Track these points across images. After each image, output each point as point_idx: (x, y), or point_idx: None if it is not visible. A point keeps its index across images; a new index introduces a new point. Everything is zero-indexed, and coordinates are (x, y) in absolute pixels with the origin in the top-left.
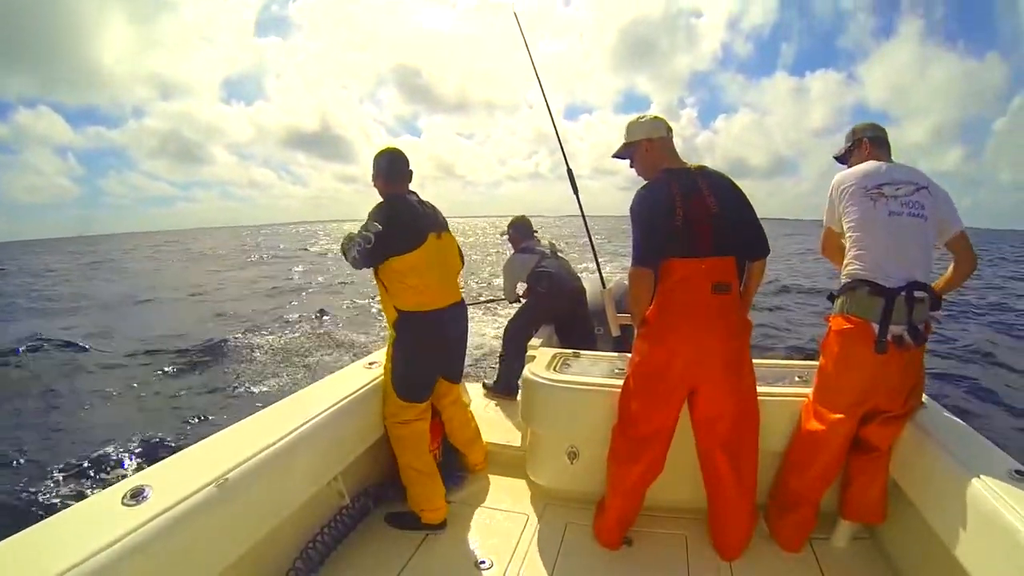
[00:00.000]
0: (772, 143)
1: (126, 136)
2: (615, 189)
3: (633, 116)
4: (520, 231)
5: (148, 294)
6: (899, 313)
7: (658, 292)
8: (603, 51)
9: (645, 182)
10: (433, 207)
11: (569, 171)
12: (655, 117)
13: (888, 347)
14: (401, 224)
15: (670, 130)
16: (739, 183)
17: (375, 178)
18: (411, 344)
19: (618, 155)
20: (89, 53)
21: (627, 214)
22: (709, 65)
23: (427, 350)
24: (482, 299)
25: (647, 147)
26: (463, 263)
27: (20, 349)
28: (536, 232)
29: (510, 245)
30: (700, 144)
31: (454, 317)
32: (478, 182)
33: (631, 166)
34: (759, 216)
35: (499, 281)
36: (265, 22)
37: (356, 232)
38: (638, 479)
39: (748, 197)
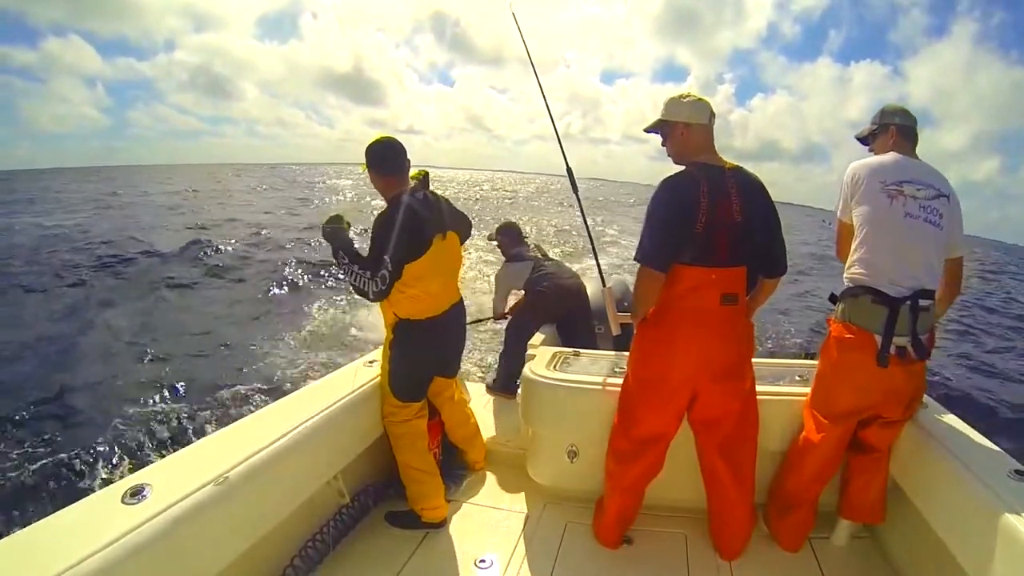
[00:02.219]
0: (806, 129)
1: (156, 68)
2: (644, 157)
3: (675, 92)
4: (510, 237)
5: None
6: (903, 324)
7: (664, 296)
8: (646, 17)
9: (674, 166)
10: (438, 200)
11: (569, 171)
12: (699, 99)
13: (890, 360)
14: (407, 236)
15: (713, 116)
16: (768, 165)
17: (371, 173)
18: (408, 348)
19: (651, 129)
20: None
21: (653, 183)
22: (752, 43)
23: (424, 354)
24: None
25: (683, 131)
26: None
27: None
28: (526, 237)
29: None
30: (734, 121)
31: (454, 319)
32: (506, 137)
33: (663, 144)
34: (786, 201)
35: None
36: None
37: (365, 259)
38: (637, 478)
39: (776, 207)
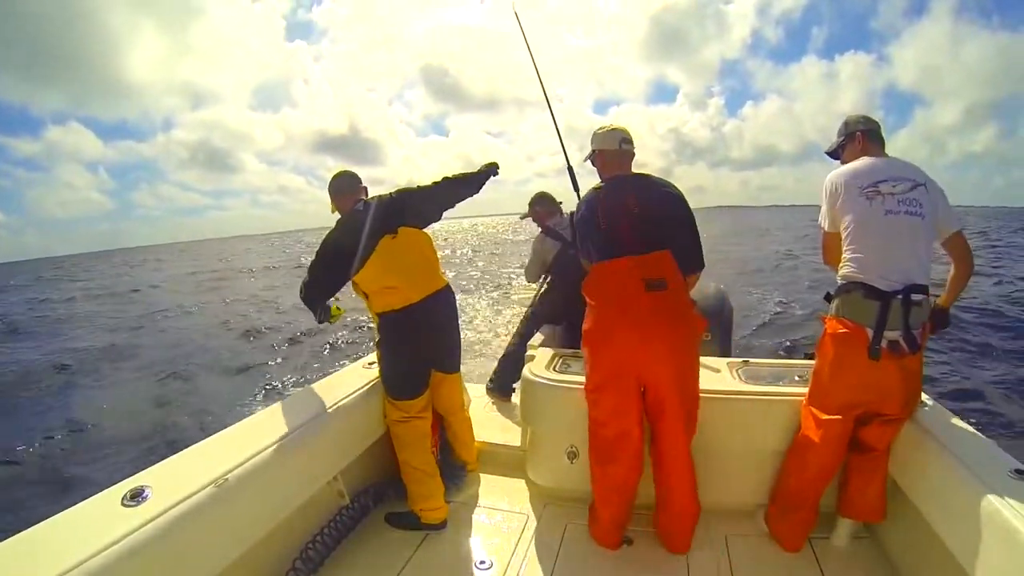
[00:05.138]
0: (800, 129)
1: (156, 148)
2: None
3: (599, 124)
4: (544, 206)
5: None
6: (894, 318)
7: (596, 296)
8: (633, 42)
9: None
10: (388, 206)
11: (569, 168)
12: (612, 128)
13: (882, 353)
14: (338, 256)
15: (626, 141)
16: (767, 171)
17: (334, 201)
18: (392, 342)
19: (588, 158)
20: (119, 66)
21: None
22: (739, 52)
23: (407, 345)
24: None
25: (599, 156)
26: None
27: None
28: (560, 203)
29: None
30: (728, 133)
31: (432, 306)
32: (506, 179)
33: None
34: (789, 204)
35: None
36: (293, 27)
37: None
38: (620, 479)
39: (688, 205)
